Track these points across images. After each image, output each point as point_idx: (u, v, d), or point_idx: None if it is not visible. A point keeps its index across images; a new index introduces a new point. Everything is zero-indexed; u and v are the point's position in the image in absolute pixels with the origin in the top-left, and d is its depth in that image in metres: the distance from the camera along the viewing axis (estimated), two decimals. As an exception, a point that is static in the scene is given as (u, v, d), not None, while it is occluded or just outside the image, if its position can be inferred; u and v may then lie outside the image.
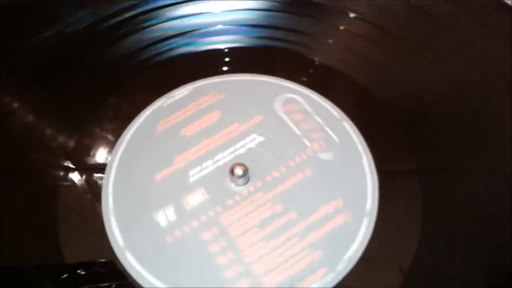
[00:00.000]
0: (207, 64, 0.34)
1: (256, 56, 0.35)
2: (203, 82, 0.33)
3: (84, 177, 0.29)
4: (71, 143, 0.31)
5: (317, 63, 0.34)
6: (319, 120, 0.31)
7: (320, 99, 0.32)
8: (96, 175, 0.29)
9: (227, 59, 0.35)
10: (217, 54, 0.35)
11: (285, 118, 0.31)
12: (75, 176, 0.29)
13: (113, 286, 0.25)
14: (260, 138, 0.30)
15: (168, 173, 0.29)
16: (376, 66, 0.33)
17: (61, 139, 0.31)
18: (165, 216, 0.27)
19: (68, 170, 0.30)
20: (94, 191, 0.29)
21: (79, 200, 0.28)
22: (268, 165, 0.29)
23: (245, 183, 0.28)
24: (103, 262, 0.26)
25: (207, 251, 0.26)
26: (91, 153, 0.30)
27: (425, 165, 0.29)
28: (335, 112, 0.31)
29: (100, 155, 0.30)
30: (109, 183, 0.29)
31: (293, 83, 0.33)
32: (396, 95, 0.32)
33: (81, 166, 0.30)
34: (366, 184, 0.28)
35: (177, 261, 0.26)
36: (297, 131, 0.30)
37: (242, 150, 0.30)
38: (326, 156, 0.29)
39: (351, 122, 0.31)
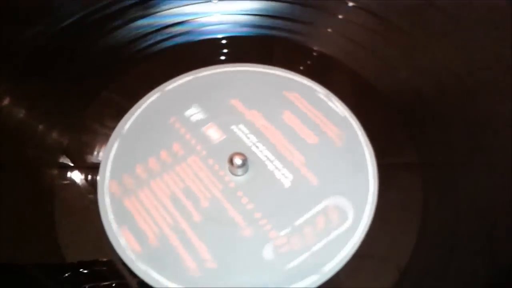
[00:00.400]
0: (204, 54, 0.33)
1: (255, 46, 0.34)
2: (206, 72, 0.32)
3: (80, 174, 0.28)
4: (66, 139, 0.30)
5: (315, 53, 0.33)
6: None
7: (320, 89, 0.31)
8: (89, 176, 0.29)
9: (225, 50, 0.34)
10: (213, 44, 0.34)
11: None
12: (71, 174, 0.28)
13: (113, 284, 0.24)
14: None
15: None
16: (376, 56, 0.33)
17: (55, 135, 0.30)
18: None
19: (64, 167, 0.29)
20: (91, 187, 0.28)
21: (76, 197, 0.28)
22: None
23: (244, 173, 0.28)
24: (104, 261, 0.25)
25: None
26: (87, 149, 0.30)
27: (425, 159, 0.29)
28: (336, 103, 0.31)
29: (96, 150, 0.29)
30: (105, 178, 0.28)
31: (292, 73, 0.32)
32: (397, 86, 0.32)
33: (77, 163, 0.29)
34: (368, 176, 0.28)
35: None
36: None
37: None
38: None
39: (352, 114, 0.30)
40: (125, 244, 0.25)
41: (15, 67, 0.32)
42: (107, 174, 0.28)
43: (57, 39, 0.34)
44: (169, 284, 0.24)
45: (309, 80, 0.32)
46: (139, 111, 0.31)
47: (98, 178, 0.28)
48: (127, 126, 0.30)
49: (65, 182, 0.28)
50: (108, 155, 0.29)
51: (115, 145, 0.29)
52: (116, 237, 0.26)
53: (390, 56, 0.33)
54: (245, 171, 0.28)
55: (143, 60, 0.33)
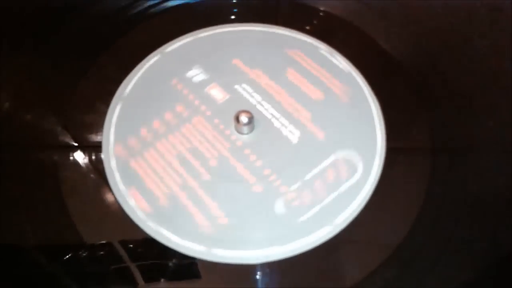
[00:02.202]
0: (204, 15, 0.33)
1: (258, 6, 0.33)
2: (207, 32, 0.32)
3: (84, 148, 0.28)
4: (65, 110, 0.29)
5: (319, 12, 0.33)
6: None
7: (323, 46, 0.31)
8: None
9: (234, 10, 0.33)
10: (219, 4, 0.33)
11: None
12: (75, 149, 0.28)
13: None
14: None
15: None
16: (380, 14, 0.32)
17: (52, 106, 0.29)
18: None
19: (68, 144, 0.28)
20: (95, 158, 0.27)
21: (82, 176, 0.27)
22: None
23: (250, 131, 0.27)
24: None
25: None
26: (89, 117, 0.29)
27: (432, 109, 0.29)
28: (340, 59, 0.30)
29: (98, 117, 0.29)
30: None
31: (294, 31, 0.32)
32: (402, 45, 0.31)
33: (79, 136, 0.28)
34: (375, 128, 0.28)
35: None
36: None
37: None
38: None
39: (356, 70, 0.30)
40: (134, 204, 0.25)
41: (4, 40, 0.31)
42: (111, 137, 0.28)
43: (51, 7, 0.32)
44: (181, 241, 0.24)
45: (312, 37, 0.31)
46: (139, 73, 0.30)
47: (102, 141, 0.27)
48: (128, 89, 0.29)
49: (69, 156, 0.27)
50: (111, 119, 0.28)
51: (117, 109, 0.29)
52: (124, 198, 0.25)
53: (396, 15, 0.32)
54: (252, 129, 0.28)
55: (141, 22, 0.32)
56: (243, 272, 0.24)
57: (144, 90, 0.29)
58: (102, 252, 0.24)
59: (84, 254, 0.24)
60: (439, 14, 0.32)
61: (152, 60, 0.30)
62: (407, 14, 0.32)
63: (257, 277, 0.24)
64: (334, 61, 0.30)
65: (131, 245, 0.25)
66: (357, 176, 0.26)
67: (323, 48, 0.31)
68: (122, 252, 0.24)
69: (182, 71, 0.30)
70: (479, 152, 0.27)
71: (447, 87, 0.30)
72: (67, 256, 0.24)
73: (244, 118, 0.27)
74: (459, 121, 0.28)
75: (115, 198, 0.25)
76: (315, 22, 0.33)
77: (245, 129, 0.27)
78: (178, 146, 0.27)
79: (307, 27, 0.32)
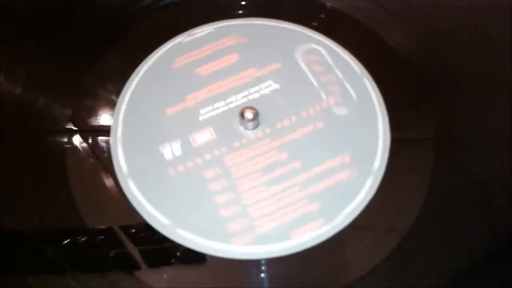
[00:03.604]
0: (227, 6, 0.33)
1: (281, 2, 0.33)
2: (225, 23, 0.32)
3: (90, 135, 0.28)
4: (74, 100, 0.30)
5: (327, 8, 0.33)
6: (339, 74, 0.30)
7: (343, 52, 0.31)
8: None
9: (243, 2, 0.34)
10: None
11: (304, 68, 0.30)
12: (81, 136, 0.29)
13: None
14: (276, 86, 0.30)
15: (179, 110, 0.29)
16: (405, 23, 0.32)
17: (61, 97, 0.30)
18: (171, 150, 0.28)
19: (71, 131, 0.29)
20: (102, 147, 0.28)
21: (87, 161, 0.28)
22: (280, 113, 0.29)
23: (254, 128, 0.28)
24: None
25: (207, 189, 0.26)
26: (97, 107, 0.29)
27: (440, 133, 0.28)
28: (356, 67, 0.30)
29: (105, 109, 0.29)
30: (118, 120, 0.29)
31: (317, 33, 0.32)
32: (408, 42, 0.31)
33: (84, 125, 0.29)
34: (377, 144, 0.28)
35: (177, 195, 0.26)
36: (315, 82, 0.30)
37: (255, 95, 0.29)
38: (341, 111, 0.29)
39: (371, 79, 0.30)
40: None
41: (14, 31, 0.32)
42: (119, 137, 0.28)
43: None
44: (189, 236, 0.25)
45: (320, 34, 0.31)
46: (142, 71, 0.30)
47: (110, 140, 0.28)
48: (131, 89, 0.30)
49: (76, 144, 0.28)
50: (117, 119, 0.29)
51: (127, 97, 0.29)
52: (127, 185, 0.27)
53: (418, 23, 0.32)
54: (256, 125, 0.28)
55: (142, 20, 0.33)
56: (242, 268, 0.24)
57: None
58: (103, 237, 0.25)
59: (85, 239, 0.25)
60: (445, 11, 0.32)
61: (158, 54, 0.31)
62: (413, 11, 0.32)
63: (255, 273, 0.24)
64: (339, 56, 0.31)
65: (133, 230, 0.26)
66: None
67: (328, 44, 0.31)
68: (123, 236, 0.26)
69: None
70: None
71: (453, 84, 0.30)
72: (68, 241, 0.25)
73: (249, 114, 0.28)
74: (468, 156, 0.28)
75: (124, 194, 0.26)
76: (320, 17, 0.33)
77: (250, 125, 0.28)
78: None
79: (311, 22, 0.32)
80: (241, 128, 0.28)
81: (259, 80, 0.30)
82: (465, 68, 0.30)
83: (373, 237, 0.25)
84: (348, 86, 0.30)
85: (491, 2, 0.31)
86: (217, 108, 0.29)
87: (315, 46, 0.31)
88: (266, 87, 0.30)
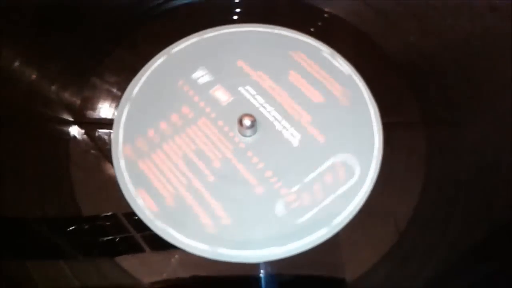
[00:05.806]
0: (209, 16, 0.33)
1: (260, 6, 0.34)
2: (212, 33, 0.33)
3: (93, 130, 0.29)
4: (77, 100, 0.31)
5: (323, 13, 0.33)
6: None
7: (325, 48, 0.32)
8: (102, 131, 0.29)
9: (237, 10, 0.34)
10: (219, 5, 0.34)
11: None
12: (84, 131, 0.29)
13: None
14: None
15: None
16: (384, 16, 0.33)
17: (66, 95, 0.31)
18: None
19: (74, 123, 0.30)
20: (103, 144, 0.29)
21: (89, 154, 0.29)
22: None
23: (253, 134, 0.29)
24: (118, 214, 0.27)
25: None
26: (97, 108, 0.30)
27: (430, 118, 0.29)
28: (341, 62, 0.31)
29: (106, 109, 0.30)
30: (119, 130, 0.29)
31: (297, 32, 0.32)
32: (402, 45, 0.32)
33: (87, 120, 0.30)
34: (373, 133, 0.29)
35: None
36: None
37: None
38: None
39: (357, 73, 0.31)
40: (142, 204, 0.27)
41: (26, 28, 0.32)
42: (120, 139, 0.29)
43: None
44: (187, 240, 0.26)
45: (314, 39, 0.32)
46: (146, 74, 0.31)
47: (112, 142, 0.29)
48: (135, 90, 0.31)
49: (79, 140, 0.29)
50: (119, 120, 0.29)
51: (125, 110, 0.30)
52: (133, 198, 0.27)
53: (400, 16, 0.33)
54: (254, 132, 0.29)
55: (147, 22, 0.33)
56: (245, 270, 0.25)
57: (151, 91, 0.30)
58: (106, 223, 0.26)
59: (86, 227, 0.26)
60: (441, 16, 0.33)
61: (158, 61, 0.31)
62: (409, 17, 0.33)
63: (258, 275, 0.25)
64: (335, 63, 0.31)
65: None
66: (354, 178, 0.27)
67: (325, 50, 0.32)
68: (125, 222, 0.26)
69: (188, 73, 0.31)
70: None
71: (447, 89, 0.30)
72: (71, 228, 0.26)
73: (247, 122, 0.28)
74: (460, 132, 0.29)
75: (126, 200, 0.27)
76: (314, 22, 0.33)
77: (248, 132, 0.29)
78: (184, 148, 0.28)
79: (307, 27, 0.33)
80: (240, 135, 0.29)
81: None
82: (461, 79, 0.31)
83: (374, 233, 0.26)
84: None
85: (483, 2, 0.32)
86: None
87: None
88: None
